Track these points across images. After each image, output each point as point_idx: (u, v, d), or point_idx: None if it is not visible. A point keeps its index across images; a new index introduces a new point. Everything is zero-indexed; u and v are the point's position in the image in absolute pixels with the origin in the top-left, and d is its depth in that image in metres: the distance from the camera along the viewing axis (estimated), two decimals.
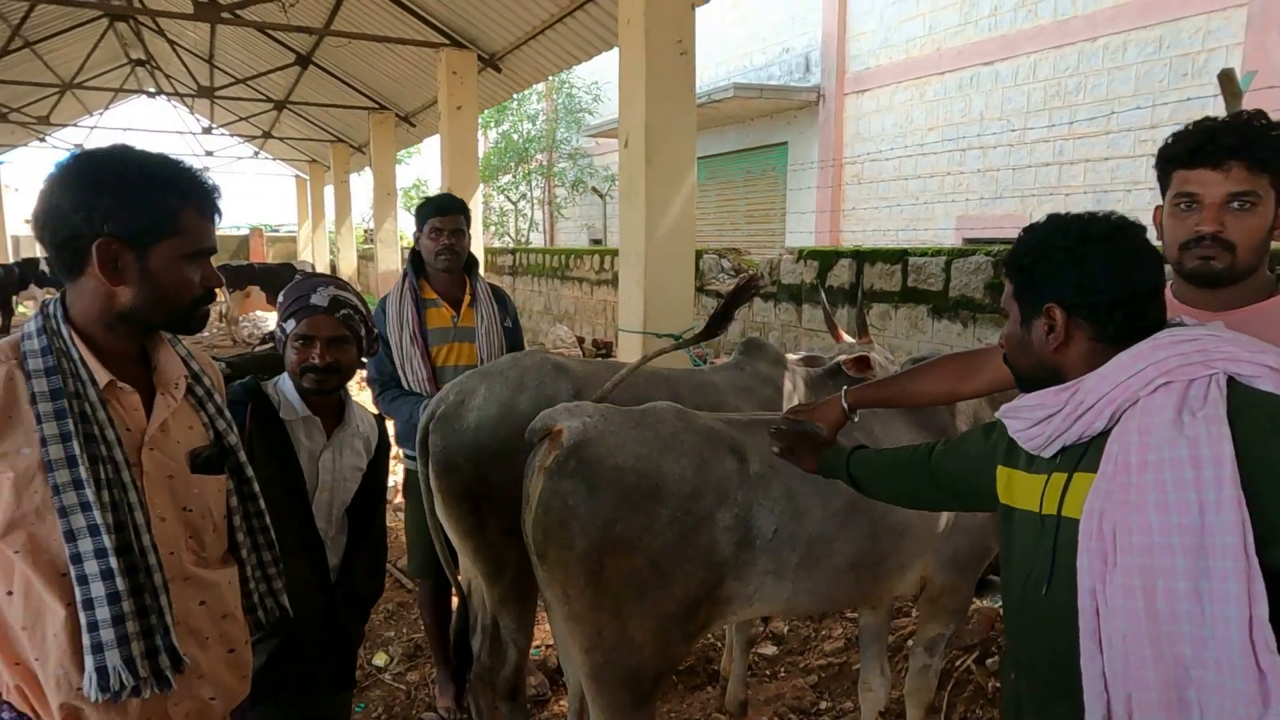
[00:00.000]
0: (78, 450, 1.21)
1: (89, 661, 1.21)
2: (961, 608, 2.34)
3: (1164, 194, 1.57)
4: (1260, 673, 1.05)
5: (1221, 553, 1.07)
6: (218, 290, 1.43)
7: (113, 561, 1.21)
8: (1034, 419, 1.29)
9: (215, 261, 1.44)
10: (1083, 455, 1.25)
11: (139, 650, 1.23)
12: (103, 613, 1.21)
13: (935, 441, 1.66)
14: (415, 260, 3.05)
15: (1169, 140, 1.55)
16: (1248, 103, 4.69)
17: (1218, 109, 5.02)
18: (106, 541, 1.21)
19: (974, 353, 1.90)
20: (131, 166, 1.27)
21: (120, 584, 1.22)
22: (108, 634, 1.21)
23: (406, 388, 2.91)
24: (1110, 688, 1.16)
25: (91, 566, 1.20)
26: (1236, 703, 1.06)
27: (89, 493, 1.21)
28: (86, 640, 1.21)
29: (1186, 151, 1.50)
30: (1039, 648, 1.32)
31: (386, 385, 2.94)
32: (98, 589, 1.21)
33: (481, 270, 3.36)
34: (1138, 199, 7.76)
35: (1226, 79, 4.32)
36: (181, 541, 1.36)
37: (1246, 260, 1.49)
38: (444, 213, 2.95)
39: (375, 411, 2.58)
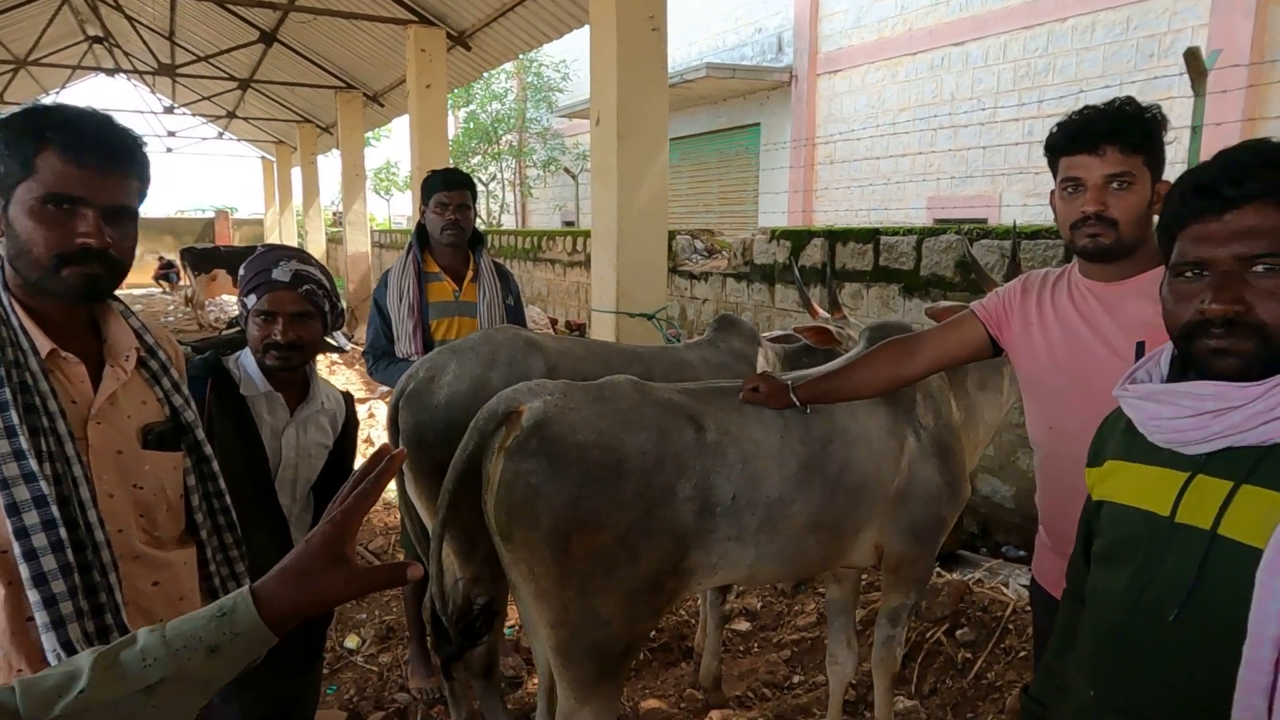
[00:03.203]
0: (16, 420, 1.15)
1: (49, 640, 1.16)
2: (922, 577, 2.36)
3: (1055, 180, 1.70)
4: None
5: None
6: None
7: (63, 533, 1.16)
8: (1198, 409, 1.06)
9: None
10: (1257, 464, 1.03)
11: (90, 628, 1.19)
12: (57, 586, 1.16)
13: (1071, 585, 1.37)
14: (420, 234, 3.07)
15: (1053, 130, 1.67)
16: (1213, 81, 4.75)
17: (1184, 88, 5.07)
18: (55, 512, 1.16)
19: (909, 338, 2.02)
20: (7, 116, 1.22)
21: (71, 556, 1.17)
22: (66, 607, 1.16)
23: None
24: None
25: (40, 539, 1.15)
26: None
27: (32, 463, 1.15)
28: (44, 617, 1.16)
29: (1066, 140, 1.63)
30: (1153, 682, 1.09)
31: (379, 357, 2.95)
32: (49, 562, 1.15)
33: None
34: None
35: (1192, 58, 4.37)
36: (131, 519, 1.30)
37: (1130, 234, 1.62)
38: (450, 187, 2.97)
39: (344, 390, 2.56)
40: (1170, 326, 1.13)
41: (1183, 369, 1.15)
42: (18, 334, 1.21)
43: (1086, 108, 1.63)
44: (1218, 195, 1.05)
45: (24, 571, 1.15)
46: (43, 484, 1.16)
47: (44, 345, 1.23)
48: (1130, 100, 1.60)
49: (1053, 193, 1.72)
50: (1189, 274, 1.09)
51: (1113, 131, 1.57)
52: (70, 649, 1.16)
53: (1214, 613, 1.02)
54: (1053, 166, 1.69)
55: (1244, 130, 6.61)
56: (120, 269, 1.28)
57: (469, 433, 1.88)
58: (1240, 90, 6.43)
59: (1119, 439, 1.22)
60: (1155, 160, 1.61)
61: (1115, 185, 1.59)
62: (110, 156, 1.24)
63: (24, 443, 1.15)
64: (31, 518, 1.15)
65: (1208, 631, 1.03)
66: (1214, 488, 1.05)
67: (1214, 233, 1.05)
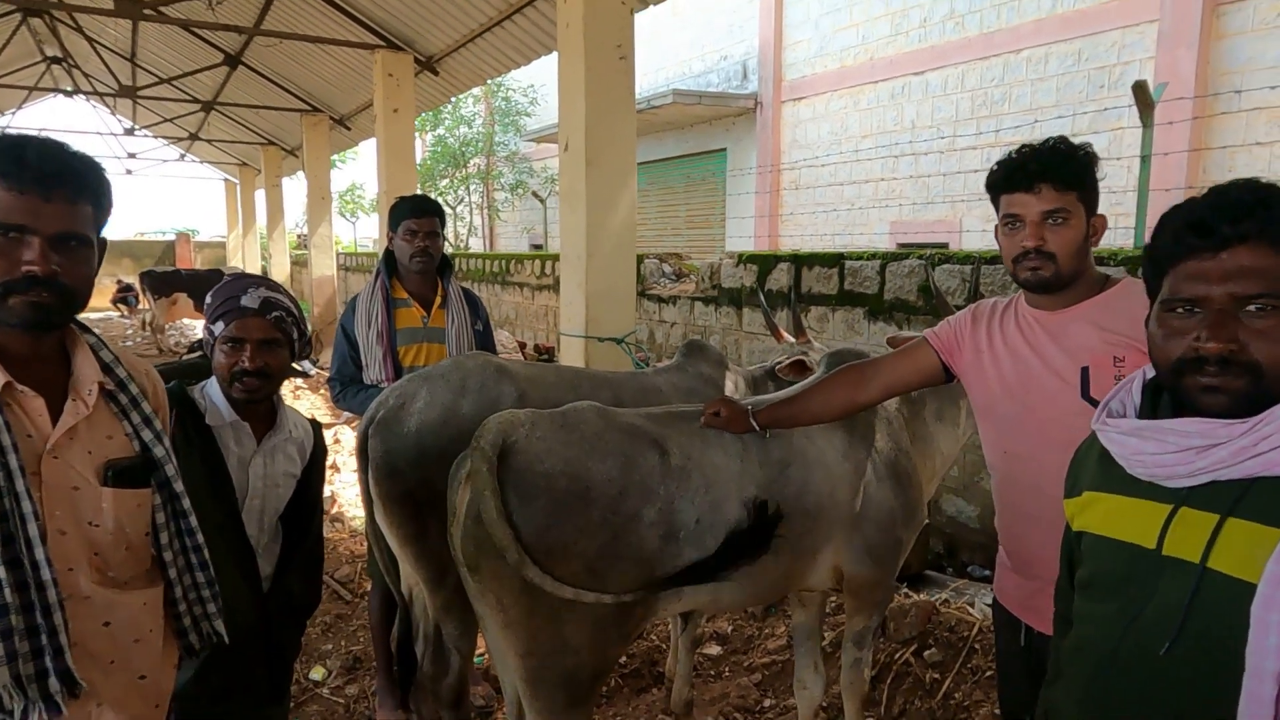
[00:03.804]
0: None
1: None
2: (883, 600, 2.40)
3: (997, 215, 1.77)
4: None
5: None
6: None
7: (1, 573, 1.14)
8: (1182, 445, 1.06)
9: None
10: (1240, 498, 1.03)
11: (26, 671, 1.16)
12: None
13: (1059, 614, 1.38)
14: (388, 260, 3.06)
15: (993, 169, 1.75)
16: (1160, 113, 4.93)
17: (1133, 119, 5.26)
18: None
19: (865, 364, 2.08)
20: None
21: (8, 597, 1.14)
22: None
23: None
24: None
25: None
26: None
27: None
28: None
29: (1003, 178, 1.71)
30: (1145, 715, 1.09)
31: (347, 384, 2.92)
32: None
33: None
34: None
35: (1140, 90, 4.53)
36: (83, 558, 1.27)
37: (1069, 266, 1.69)
38: (419, 214, 2.96)
39: (310, 416, 2.54)
40: (1159, 361, 1.13)
41: (1154, 397, 1.17)
42: None
43: (1024, 147, 1.70)
44: (1215, 233, 1.05)
45: None
46: None
47: None
48: (1064, 140, 1.68)
49: (996, 227, 1.79)
50: (1180, 310, 1.09)
51: (1046, 170, 1.64)
52: None
53: (1207, 647, 1.02)
54: (995, 203, 1.76)
55: (1190, 160, 6.87)
56: (72, 296, 1.26)
57: (472, 455, 1.83)
58: (1186, 122, 6.68)
59: (1094, 469, 1.22)
60: (1089, 196, 1.68)
61: (1052, 221, 1.66)
62: (53, 183, 1.22)
63: None
64: None
65: (1201, 665, 1.03)
66: (1199, 521, 1.05)
67: (1209, 271, 1.06)
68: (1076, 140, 1.71)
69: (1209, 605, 1.03)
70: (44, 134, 1.30)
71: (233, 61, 10.27)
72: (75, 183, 1.25)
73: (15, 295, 1.21)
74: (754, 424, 2.04)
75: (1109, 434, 1.16)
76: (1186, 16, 7.07)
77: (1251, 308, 1.03)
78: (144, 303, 13.95)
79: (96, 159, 1.32)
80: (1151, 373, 1.19)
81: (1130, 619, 1.10)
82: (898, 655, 3.21)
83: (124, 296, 16.28)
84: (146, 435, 1.36)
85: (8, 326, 1.23)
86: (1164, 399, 1.16)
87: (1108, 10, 7.92)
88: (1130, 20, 7.70)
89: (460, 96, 13.31)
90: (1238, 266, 1.04)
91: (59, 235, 1.23)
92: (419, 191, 8.57)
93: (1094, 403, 1.64)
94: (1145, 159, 4.60)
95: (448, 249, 18.95)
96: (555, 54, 4.67)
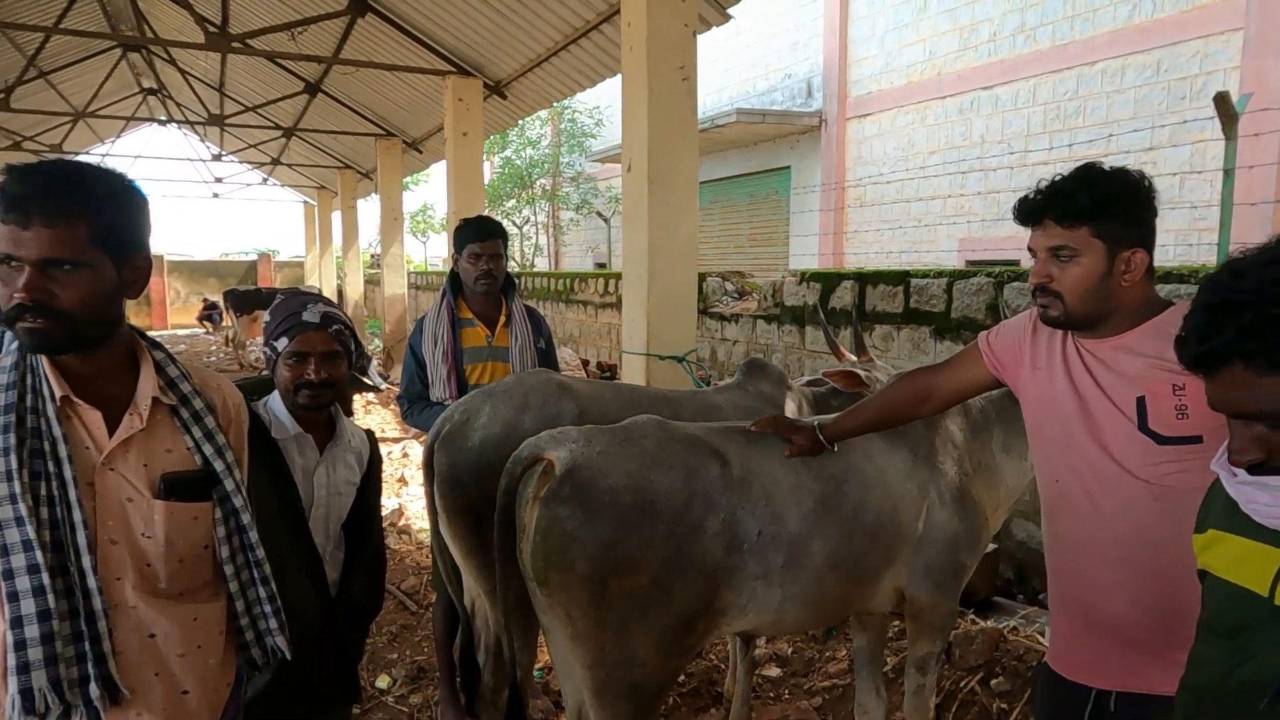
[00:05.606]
0: (15, 465, 1.19)
1: (12, 683, 1.18)
2: (945, 625, 2.34)
3: None
4: None
5: None
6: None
7: (45, 578, 1.18)
8: None
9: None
10: None
11: (68, 675, 1.20)
12: (31, 631, 1.18)
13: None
14: (454, 280, 3.14)
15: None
16: (1244, 124, 4.73)
17: (1216, 131, 5.06)
18: (39, 558, 1.18)
19: (922, 374, 2.03)
20: None
21: (52, 602, 1.19)
22: (35, 653, 1.18)
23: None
24: None
25: (23, 583, 1.18)
26: None
27: (22, 508, 1.18)
28: (12, 660, 1.17)
29: (1015, 212, 1.65)
30: None
31: (414, 401, 3.02)
32: (27, 606, 1.18)
33: None
34: None
35: (1222, 101, 4.36)
36: (133, 569, 1.29)
37: (1080, 306, 1.58)
38: (483, 237, 3.03)
39: (374, 428, 2.63)
40: None
41: None
42: (40, 381, 1.27)
43: (1042, 180, 1.62)
44: None
45: (6, 613, 1.18)
46: (30, 529, 1.19)
47: (59, 392, 1.26)
48: (1083, 171, 1.58)
49: None
50: None
51: (1046, 207, 1.57)
52: (29, 696, 1.18)
53: None
54: None
55: (1279, 173, 6.55)
56: (74, 320, 1.23)
57: (501, 483, 1.94)
58: (1275, 133, 6.39)
59: (1221, 507, 1.18)
60: (1111, 230, 1.55)
61: (1059, 257, 1.58)
62: (29, 208, 1.19)
63: (18, 487, 1.19)
64: (18, 560, 1.19)
65: None
66: None
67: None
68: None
69: None
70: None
71: (312, 89, 10.73)
72: (52, 205, 1.20)
73: (17, 323, 1.22)
74: (822, 439, 2.05)
75: (1229, 482, 1.12)
76: (1274, 24, 6.78)
77: None
78: (227, 320, 14.61)
79: (100, 169, 1.28)
80: None
81: (1231, 667, 1.06)
82: (963, 683, 3.13)
83: (208, 314, 17.08)
84: (208, 449, 1.37)
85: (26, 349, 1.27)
86: None
87: (1189, 20, 7.66)
88: (1213, 29, 7.43)
89: (527, 119, 13.62)
90: None
91: (42, 261, 1.20)
92: (486, 212, 8.77)
93: (1153, 435, 1.54)
94: (1229, 172, 4.41)
95: (513, 268, 19.35)
96: (619, 76, 4.75)
